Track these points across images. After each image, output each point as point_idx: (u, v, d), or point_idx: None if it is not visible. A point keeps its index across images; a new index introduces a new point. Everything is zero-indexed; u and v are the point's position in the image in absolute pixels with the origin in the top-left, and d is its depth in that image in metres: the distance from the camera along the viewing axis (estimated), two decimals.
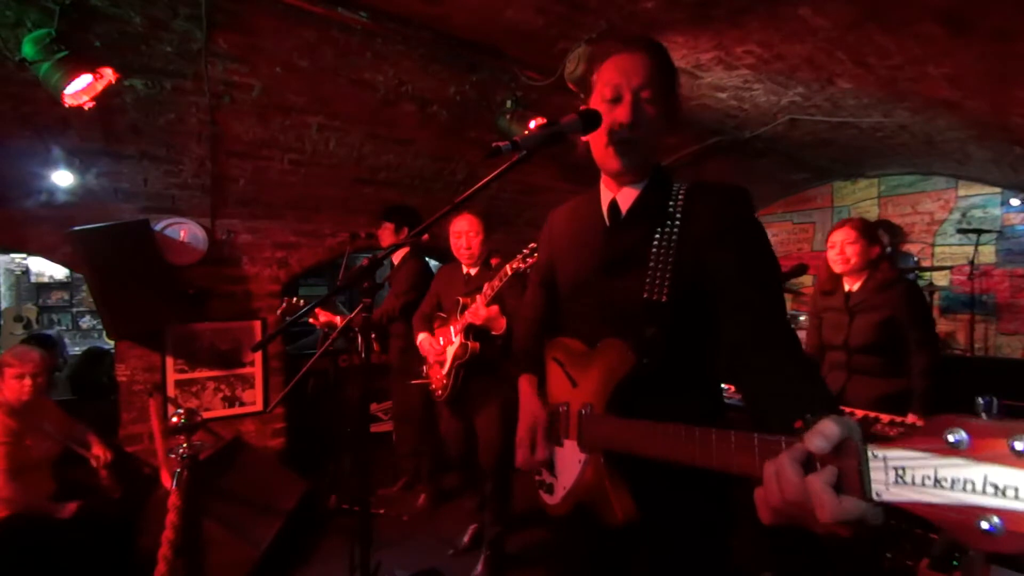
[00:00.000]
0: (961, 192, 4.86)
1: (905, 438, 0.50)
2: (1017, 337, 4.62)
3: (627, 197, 1.09)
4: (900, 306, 2.29)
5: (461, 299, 2.54)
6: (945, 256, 4.97)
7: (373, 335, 3.37)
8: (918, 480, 0.48)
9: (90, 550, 2.26)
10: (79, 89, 2.14)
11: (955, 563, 1.67)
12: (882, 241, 2.44)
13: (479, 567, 2.58)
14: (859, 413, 2.17)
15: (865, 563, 2.12)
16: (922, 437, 0.49)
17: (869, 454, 0.52)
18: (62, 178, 2.81)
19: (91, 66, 2.12)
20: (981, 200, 4.75)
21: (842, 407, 2.27)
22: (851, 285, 2.45)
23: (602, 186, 1.15)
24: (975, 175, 4.59)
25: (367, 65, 2.73)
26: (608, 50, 1.05)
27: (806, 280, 5.17)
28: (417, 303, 3.02)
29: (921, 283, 4.82)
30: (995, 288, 4.70)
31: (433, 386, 2.69)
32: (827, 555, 2.19)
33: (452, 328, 2.57)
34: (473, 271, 2.67)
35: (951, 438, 0.46)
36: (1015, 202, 4.54)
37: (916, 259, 4.99)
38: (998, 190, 4.63)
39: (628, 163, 1.04)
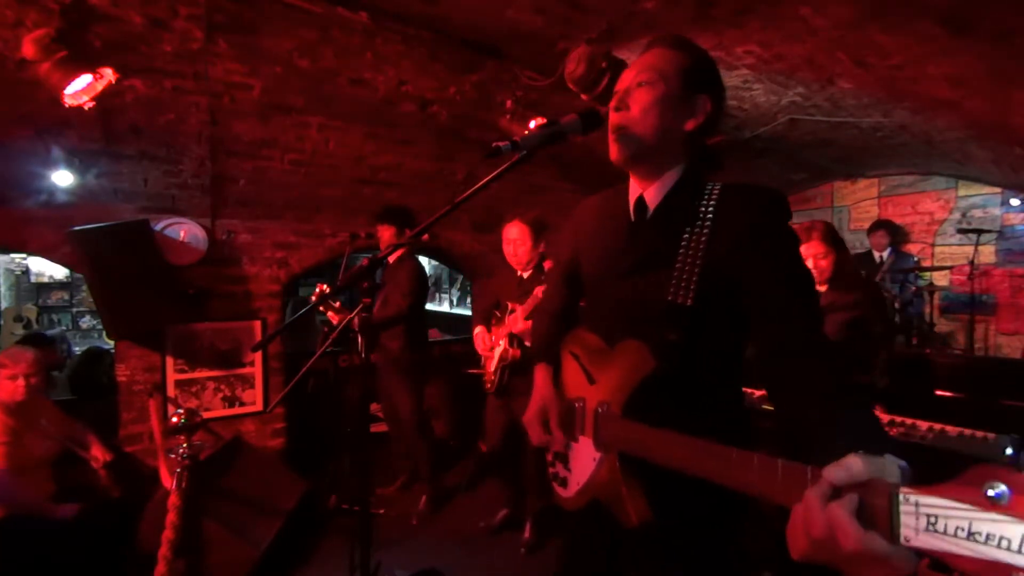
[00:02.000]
0: (961, 192, 4.87)
1: (941, 485, 0.49)
2: (1017, 337, 4.62)
3: (655, 194, 1.05)
4: (866, 306, 2.38)
5: (511, 304, 2.72)
6: (945, 256, 4.97)
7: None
8: (950, 530, 0.47)
9: (90, 550, 2.26)
10: (79, 89, 2.14)
11: None
12: (842, 241, 2.49)
13: (526, 534, 2.86)
14: None
15: None
16: (960, 487, 0.48)
17: (901, 497, 0.51)
18: (62, 178, 2.81)
19: (91, 66, 2.12)
20: (981, 200, 4.75)
21: None
22: (820, 284, 2.49)
23: (631, 181, 1.11)
24: (975, 175, 4.59)
25: (367, 65, 2.73)
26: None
27: None
28: (419, 305, 3.14)
29: (921, 283, 4.82)
30: (995, 288, 4.71)
31: (486, 378, 2.89)
32: None
33: (501, 330, 2.79)
34: (525, 275, 2.80)
35: (991, 492, 0.45)
36: (1015, 202, 4.55)
37: (916, 259, 4.99)
38: (998, 190, 4.63)
39: (625, 150, 1.02)
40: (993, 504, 0.45)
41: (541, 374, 1.28)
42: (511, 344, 2.72)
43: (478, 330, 2.94)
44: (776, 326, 0.91)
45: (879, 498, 0.53)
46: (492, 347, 2.83)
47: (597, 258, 1.16)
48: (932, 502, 0.49)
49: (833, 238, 2.41)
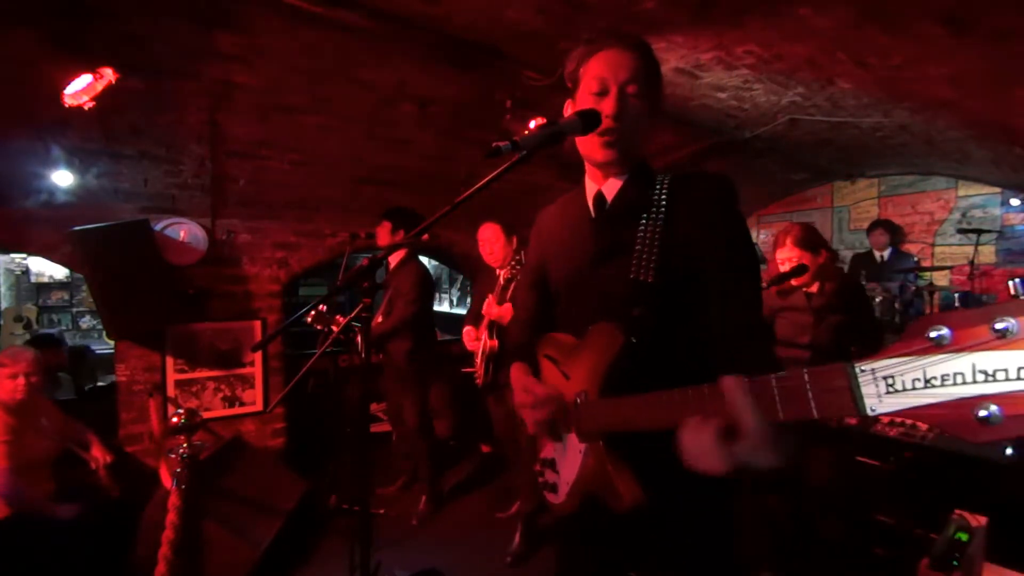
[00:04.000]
0: (961, 192, 4.87)
1: (890, 347, 0.50)
2: None
3: (612, 188, 1.11)
4: (856, 307, 2.44)
5: (488, 296, 2.84)
6: (945, 256, 4.97)
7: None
8: (908, 385, 0.48)
9: (90, 550, 2.26)
10: (79, 89, 2.15)
11: (955, 563, 1.67)
12: (825, 243, 2.48)
13: (516, 541, 2.81)
14: None
15: (865, 562, 2.12)
16: (905, 341, 0.49)
17: (857, 370, 0.52)
18: (62, 178, 2.81)
19: (91, 66, 2.13)
20: (981, 200, 4.76)
21: None
22: (810, 287, 2.49)
23: (587, 180, 1.17)
24: (975, 175, 4.59)
25: (367, 65, 2.73)
26: (597, 46, 1.07)
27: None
28: (425, 308, 3.21)
29: (921, 283, 4.82)
30: (995, 288, 4.70)
31: (476, 372, 2.97)
32: (827, 555, 2.19)
33: (484, 327, 2.89)
34: (503, 273, 2.88)
35: (933, 335, 0.46)
36: (1015, 202, 4.55)
37: (916, 259, 4.99)
38: (998, 190, 4.64)
39: (614, 153, 1.06)
40: (938, 346, 0.46)
41: (517, 370, 1.28)
42: (490, 335, 2.83)
43: (466, 328, 3.03)
44: (717, 306, 0.98)
45: (838, 379, 0.54)
46: (478, 339, 2.93)
47: (564, 259, 1.20)
48: (885, 363, 0.50)
49: (809, 242, 2.41)
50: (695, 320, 1.02)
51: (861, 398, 0.52)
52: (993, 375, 0.43)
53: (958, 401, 0.45)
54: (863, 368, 0.52)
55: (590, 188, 1.15)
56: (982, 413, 0.43)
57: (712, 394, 0.73)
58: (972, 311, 0.45)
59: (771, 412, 0.63)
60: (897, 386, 0.49)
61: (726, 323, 0.97)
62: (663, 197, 1.05)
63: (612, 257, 1.08)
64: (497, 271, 2.94)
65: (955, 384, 0.45)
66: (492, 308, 2.77)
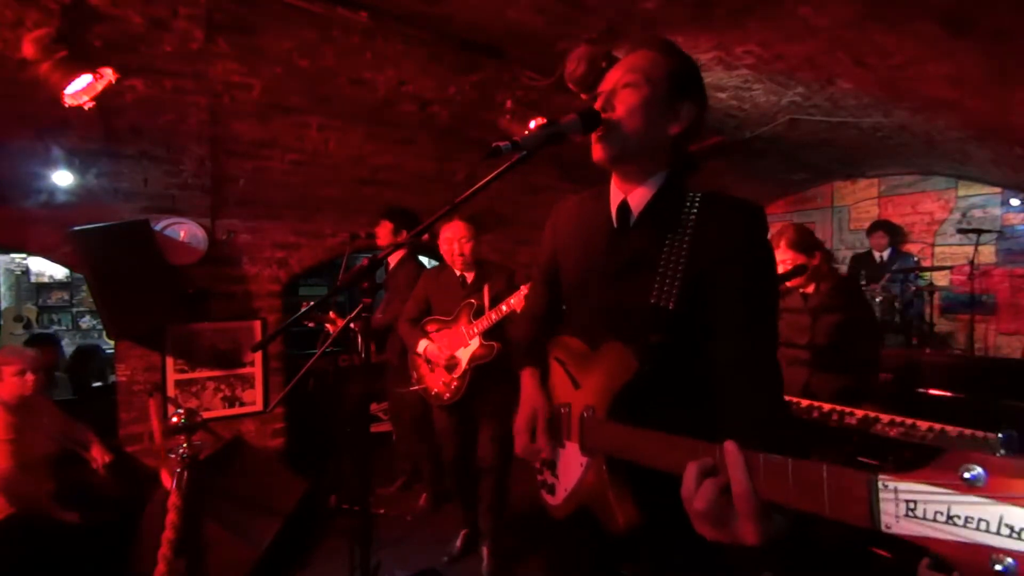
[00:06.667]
0: (961, 192, 4.87)
1: (918, 471, 0.50)
2: (1017, 337, 4.62)
3: (639, 199, 1.06)
4: (853, 306, 2.43)
5: (474, 301, 2.54)
6: (945, 256, 4.97)
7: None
8: (930, 515, 0.48)
9: (90, 550, 2.26)
10: (79, 89, 2.15)
11: None
12: (820, 245, 2.48)
13: (485, 561, 2.60)
14: (825, 407, 2.19)
15: (865, 563, 2.12)
16: (937, 471, 0.48)
17: (880, 484, 0.52)
18: (62, 178, 2.81)
19: (91, 66, 2.13)
20: (981, 200, 4.76)
21: (806, 400, 2.32)
22: (806, 287, 2.51)
23: (613, 185, 1.12)
24: (975, 175, 4.60)
25: (367, 65, 2.73)
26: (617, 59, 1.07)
27: None
28: None
29: (921, 283, 4.82)
30: (995, 288, 4.71)
31: (436, 391, 2.63)
32: (827, 556, 2.19)
33: (464, 331, 2.54)
34: (468, 275, 2.68)
35: (967, 475, 0.46)
36: (1015, 202, 4.55)
37: (916, 259, 4.99)
38: (998, 190, 4.64)
39: (610, 150, 1.02)
40: (970, 487, 0.46)
41: (528, 379, 1.26)
42: (488, 339, 2.48)
43: (424, 344, 2.64)
44: (727, 339, 0.94)
45: (858, 488, 0.53)
46: (451, 355, 2.57)
47: (578, 262, 1.16)
48: (910, 488, 0.50)
49: (802, 244, 2.40)
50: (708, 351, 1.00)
51: (878, 513, 0.51)
52: (1019, 533, 0.43)
53: (977, 546, 0.45)
54: (887, 484, 0.51)
55: (615, 195, 1.10)
56: (998, 567, 0.43)
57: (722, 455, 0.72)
58: (1013, 460, 0.45)
59: (783, 492, 0.62)
60: (918, 513, 0.49)
61: (732, 362, 0.93)
62: (692, 216, 1.00)
63: (630, 273, 1.03)
64: (460, 272, 2.67)
65: (977, 529, 0.45)
66: (511, 301, 2.38)
